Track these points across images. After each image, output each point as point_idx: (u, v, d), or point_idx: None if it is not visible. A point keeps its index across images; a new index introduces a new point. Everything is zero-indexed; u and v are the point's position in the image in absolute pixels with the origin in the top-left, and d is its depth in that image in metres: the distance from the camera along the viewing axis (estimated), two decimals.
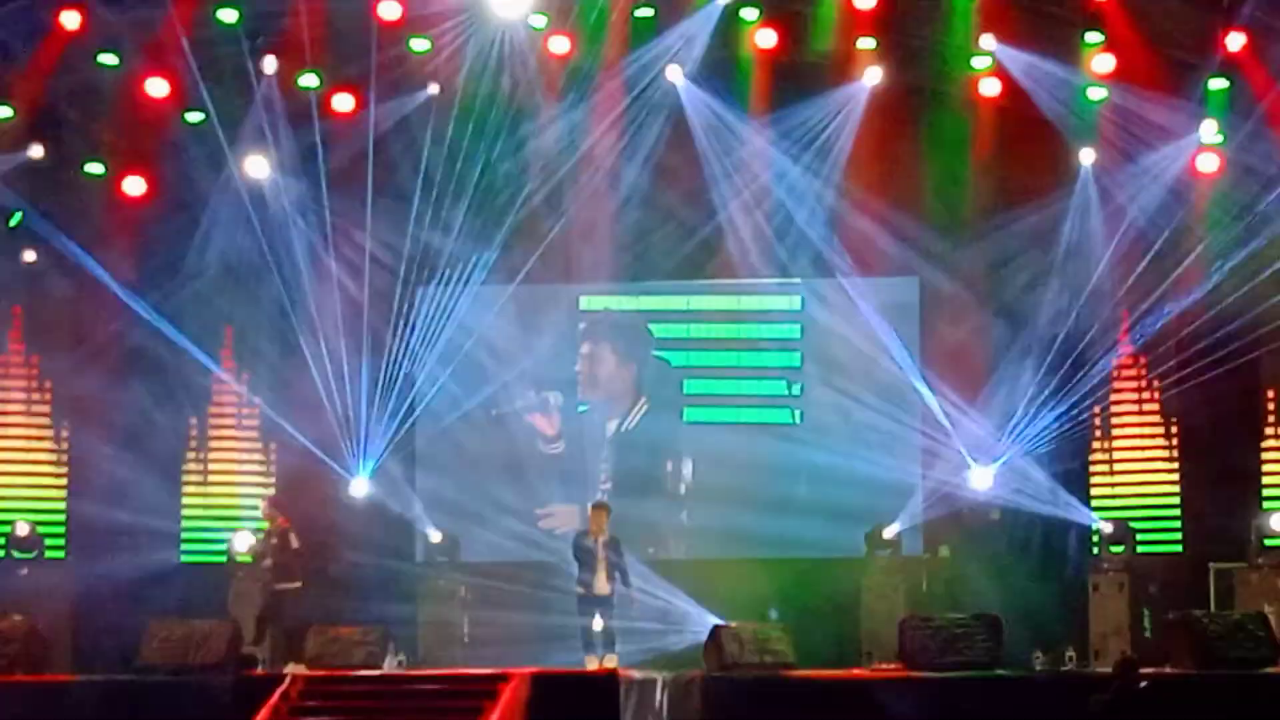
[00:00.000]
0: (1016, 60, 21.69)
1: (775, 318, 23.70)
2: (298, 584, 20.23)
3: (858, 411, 22.91)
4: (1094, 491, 22.65)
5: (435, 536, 22.53)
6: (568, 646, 20.41)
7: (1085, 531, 22.40)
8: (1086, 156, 22.24)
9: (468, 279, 22.92)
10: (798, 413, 23.68)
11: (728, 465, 23.48)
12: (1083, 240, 22.27)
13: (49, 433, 23.08)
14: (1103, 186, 22.21)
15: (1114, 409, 22.82)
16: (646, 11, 22.17)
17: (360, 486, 22.81)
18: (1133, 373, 22.79)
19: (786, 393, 23.68)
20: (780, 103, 22.54)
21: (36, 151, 22.29)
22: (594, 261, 23.22)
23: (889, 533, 22.30)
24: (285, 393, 22.99)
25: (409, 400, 22.96)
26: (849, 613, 21.90)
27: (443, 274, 22.94)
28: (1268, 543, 21.08)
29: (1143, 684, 15.27)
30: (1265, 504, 21.71)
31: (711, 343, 23.97)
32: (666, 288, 23.91)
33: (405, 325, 22.89)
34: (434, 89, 22.53)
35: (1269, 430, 22.20)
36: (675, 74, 22.41)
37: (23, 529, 21.96)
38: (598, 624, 19.18)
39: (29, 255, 22.66)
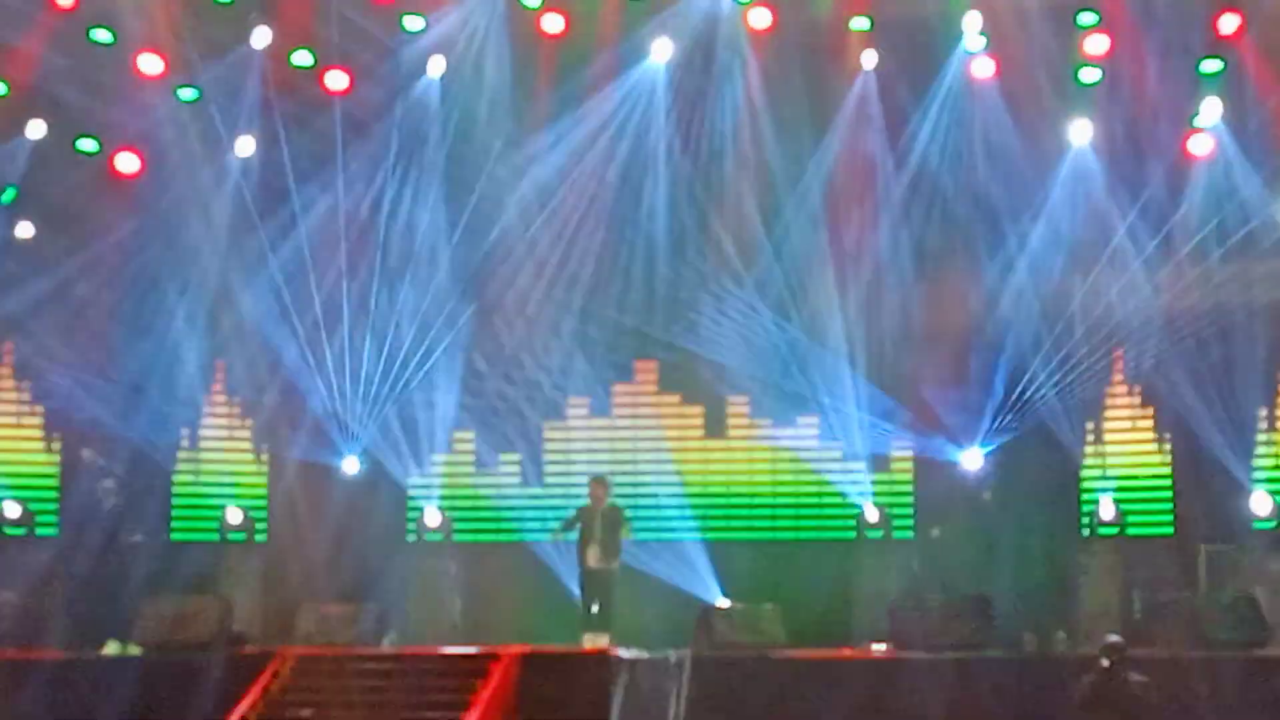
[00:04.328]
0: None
1: None
2: (140, 537, 20.24)
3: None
4: (1084, 473, 22.63)
5: (433, 518, 22.47)
6: (560, 626, 20.44)
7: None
8: (1079, 135, 22.24)
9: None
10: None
11: None
12: (1075, 219, 22.30)
13: (40, 407, 23.01)
14: (1096, 166, 22.23)
15: (1106, 388, 22.78)
16: None
17: (351, 464, 22.82)
18: (1125, 353, 22.75)
19: None
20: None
21: (37, 130, 22.27)
22: None
23: (875, 513, 22.34)
24: (274, 369, 22.98)
25: (401, 375, 22.99)
26: (840, 593, 21.91)
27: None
28: (1258, 524, 21.13)
29: (1132, 673, 15.31)
30: (1256, 485, 21.72)
31: None
32: None
33: (392, 301, 22.93)
34: (428, 67, 22.52)
35: (1260, 410, 22.20)
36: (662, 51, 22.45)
37: (13, 510, 21.89)
38: (594, 606, 19.20)
39: (21, 230, 22.62)
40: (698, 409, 23.49)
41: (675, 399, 23.58)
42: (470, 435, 23.45)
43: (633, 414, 23.51)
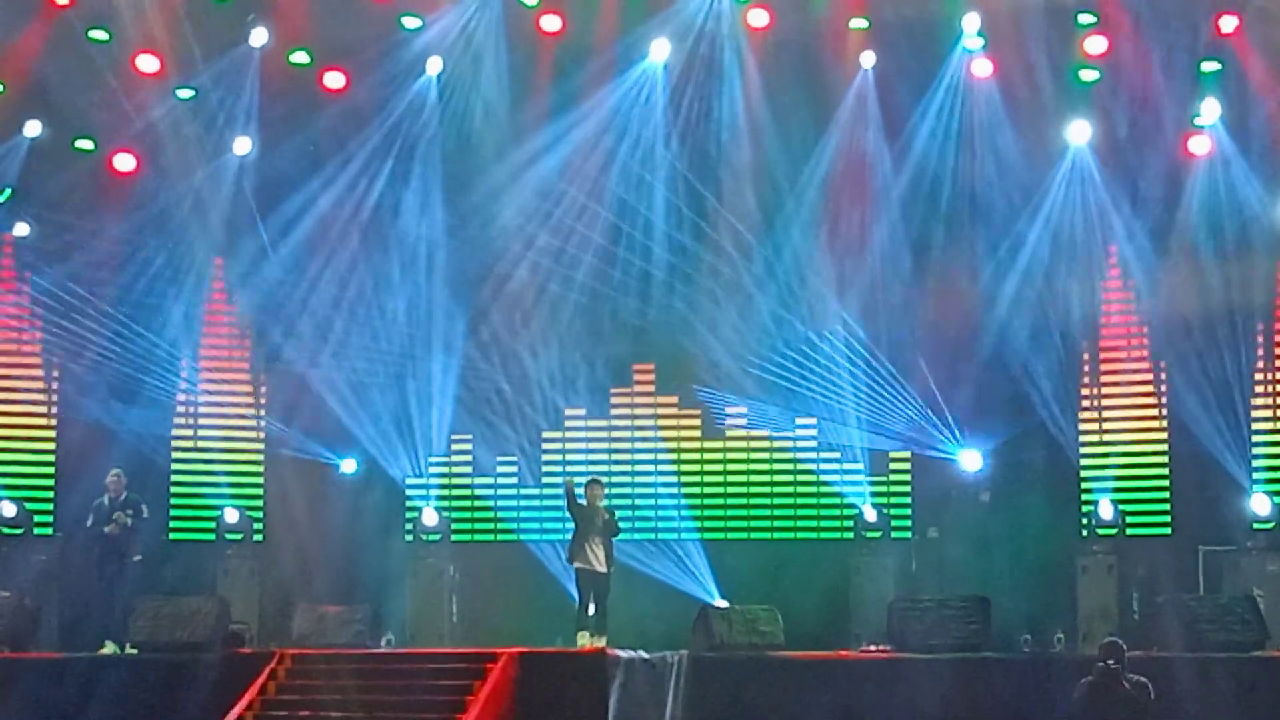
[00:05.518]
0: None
1: None
2: (139, 557, 20.23)
3: None
4: (1083, 473, 22.60)
5: (430, 518, 22.44)
6: (557, 627, 20.41)
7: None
8: (1078, 135, 22.22)
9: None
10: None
11: None
12: (1073, 219, 22.29)
13: (41, 409, 22.97)
14: (1095, 166, 22.24)
15: (1104, 389, 22.78)
16: None
17: (349, 465, 22.80)
18: (1124, 354, 22.75)
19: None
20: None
21: (34, 129, 22.25)
22: None
23: (873, 514, 22.31)
24: (276, 368, 22.99)
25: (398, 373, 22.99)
26: (838, 594, 21.88)
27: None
28: (1256, 525, 21.10)
29: (1130, 674, 15.28)
30: (1255, 486, 21.70)
31: None
32: None
33: (389, 299, 22.92)
34: (426, 66, 22.52)
35: (1258, 411, 22.16)
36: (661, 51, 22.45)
37: (9, 509, 21.85)
38: (592, 607, 19.17)
39: (19, 229, 22.62)
40: (695, 412, 23.47)
41: (673, 401, 23.53)
42: (468, 437, 23.43)
43: (630, 416, 23.47)
